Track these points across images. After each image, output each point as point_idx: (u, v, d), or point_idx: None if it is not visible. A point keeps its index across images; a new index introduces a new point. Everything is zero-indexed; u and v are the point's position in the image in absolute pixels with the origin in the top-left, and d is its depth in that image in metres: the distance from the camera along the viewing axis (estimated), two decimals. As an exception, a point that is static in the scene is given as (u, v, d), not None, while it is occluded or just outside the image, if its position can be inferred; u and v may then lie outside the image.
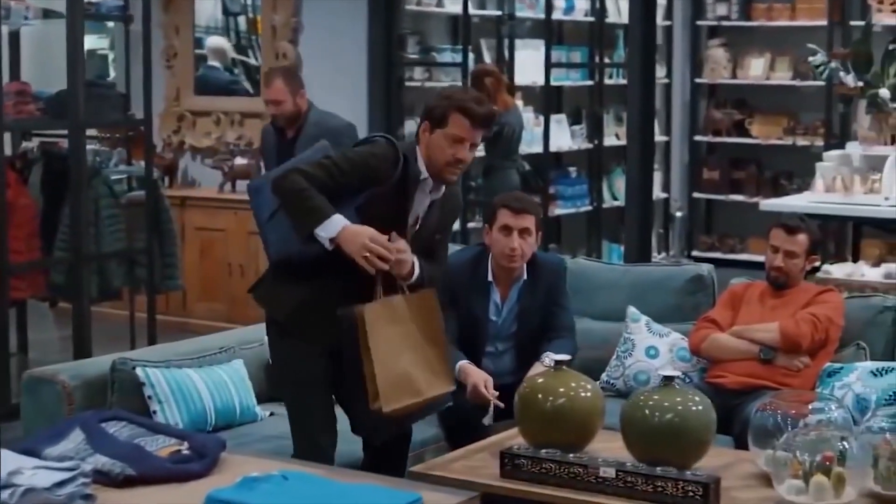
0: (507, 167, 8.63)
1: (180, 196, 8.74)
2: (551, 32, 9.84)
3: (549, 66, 8.88)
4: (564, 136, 10.21)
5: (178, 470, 3.15)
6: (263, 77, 7.02)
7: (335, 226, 3.94)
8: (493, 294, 5.04)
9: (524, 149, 9.25)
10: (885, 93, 7.83)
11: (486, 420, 4.68)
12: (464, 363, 4.82)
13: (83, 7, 6.65)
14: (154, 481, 3.13)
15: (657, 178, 11.26)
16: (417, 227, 4.18)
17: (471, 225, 8.96)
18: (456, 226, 8.31)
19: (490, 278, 5.04)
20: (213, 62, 9.41)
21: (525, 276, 5.03)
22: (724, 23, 11.34)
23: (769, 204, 8.32)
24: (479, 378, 4.75)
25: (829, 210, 7.93)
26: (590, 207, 10.20)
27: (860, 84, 7.93)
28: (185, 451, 3.24)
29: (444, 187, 4.21)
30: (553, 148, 9.89)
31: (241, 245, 8.43)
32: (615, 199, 10.37)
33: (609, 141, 10.19)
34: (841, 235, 9.74)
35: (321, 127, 6.48)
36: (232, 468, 3.20)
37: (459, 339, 4.98)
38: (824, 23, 10.32)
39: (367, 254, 3.92)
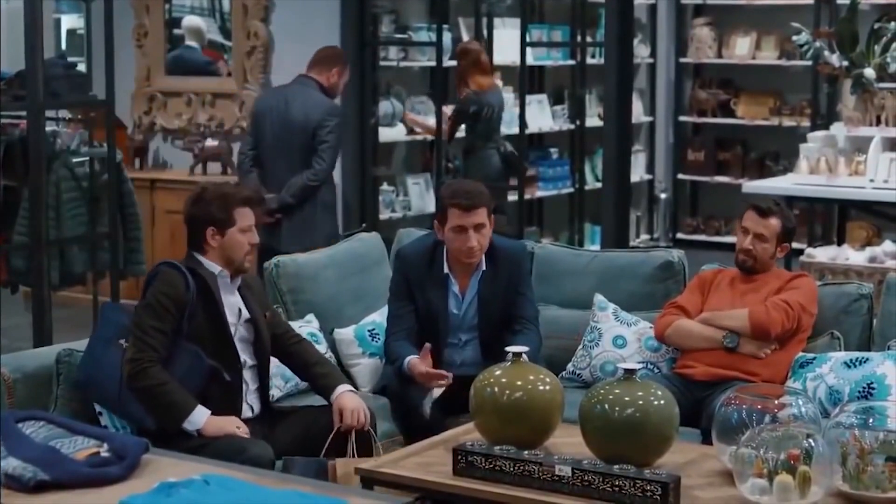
0: (487, 148, 8.46)
1: (150, 178, 8.56)
2: (531, 11, 9.66)
3: (524, 45, 8.69)
4: (546, 117, 10.04)
5: (95, 474, 2.97)
6: None
7: (199, 418, 4.12)
8: (452, 286, 4.87)
9: (503, 130, 9.13)
10: (870, 73, 7.69)
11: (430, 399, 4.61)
12: (411, 359, 4.66)
13: (42, -16, 6.42)
14: (69, 486, 2.96)
15: (641, 159, 11.16)
16: (250, 318, 4.35)
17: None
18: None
19: (446, 270, 4.87)
20: (190, 42, 9.24)
21: (484, 266, 4.85)
22: (710, 1, 11.19)
23: (752, 186, 8.20)
24: (420, 366, 4.63)
25: (813, 192, 7.84)
26: (572, 189, 10.03)
27: (844, 64, 7.77)
28: (105, 454, 3.05)
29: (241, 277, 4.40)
30: (534, 129, 9.76)
31: (211, 228, 8.25)
32: (598, 180, 10.17)
33: (591, 122, 10.00)
34: (827, 218, 9.61)
35: None
36: (153, 471, 3.02)
37: (420, 330, 4.82)
38: (811, 1, 10.15)
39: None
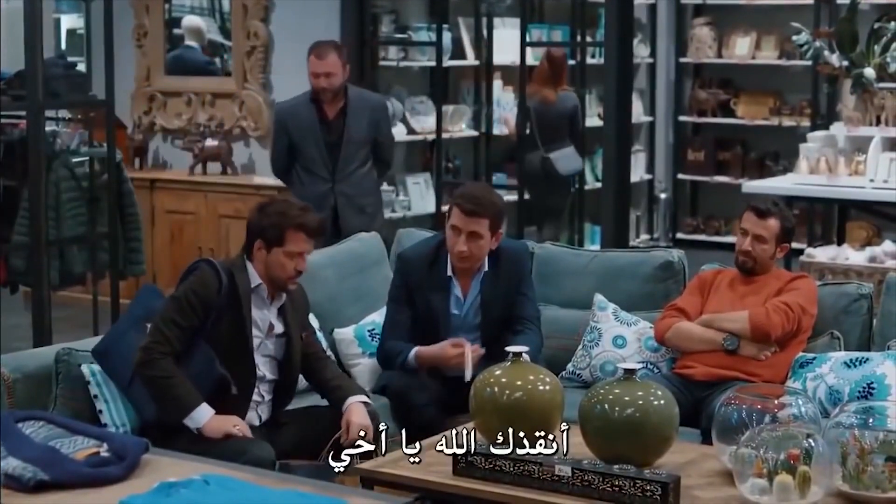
0: (531, 155, 8.88)
1: (150, 178, 8.56)
2: (531, 11, 9.66)
3: (524, 45, 8.70)
4: (546, 117, 10.03)
5: (95, 474, 2.96)
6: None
7: (201, 416, 4.12)
8: (454, 288, 4.87)
9: (503, 129, 9.26)
10: (869, 72, 7.69)
11: (468, 375, 4.54)
12: (418, 349, 4.69)
13: (42, -17, 6.42)
14: (69, 486, 2.95)
15: (641, 159, 11.14)
16: (283, 335, 4.35)
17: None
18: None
19: (449, 273, 4.86)
20: (190, 42, 9.25)
21: (486, 267, 4.85)
22: (710, 1, 11.18)
23: (752, 186, 8.20)
24: (443, 349, 4.65)
25: (813, 192, 7.85)
26: (572, 189, 10.00)
27: (844, 64, 7.77)
28: (105, 454, 3.05)
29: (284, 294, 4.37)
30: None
31: (211, 228, 8.26)
32: (598, 180, 10.15)
33: (591, 122, 10.00)
34: (827, 218, 9.61)
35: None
36: (153, 471, 3.02)
37: (421, 332, 4.81)
38: (811, 1, 10.15)
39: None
